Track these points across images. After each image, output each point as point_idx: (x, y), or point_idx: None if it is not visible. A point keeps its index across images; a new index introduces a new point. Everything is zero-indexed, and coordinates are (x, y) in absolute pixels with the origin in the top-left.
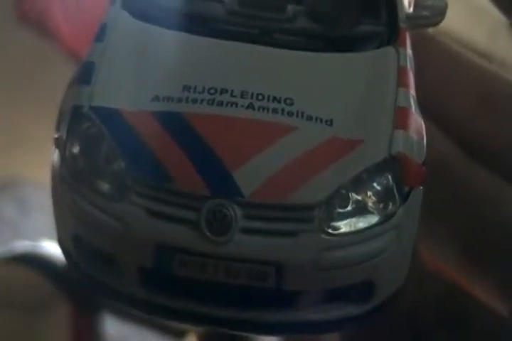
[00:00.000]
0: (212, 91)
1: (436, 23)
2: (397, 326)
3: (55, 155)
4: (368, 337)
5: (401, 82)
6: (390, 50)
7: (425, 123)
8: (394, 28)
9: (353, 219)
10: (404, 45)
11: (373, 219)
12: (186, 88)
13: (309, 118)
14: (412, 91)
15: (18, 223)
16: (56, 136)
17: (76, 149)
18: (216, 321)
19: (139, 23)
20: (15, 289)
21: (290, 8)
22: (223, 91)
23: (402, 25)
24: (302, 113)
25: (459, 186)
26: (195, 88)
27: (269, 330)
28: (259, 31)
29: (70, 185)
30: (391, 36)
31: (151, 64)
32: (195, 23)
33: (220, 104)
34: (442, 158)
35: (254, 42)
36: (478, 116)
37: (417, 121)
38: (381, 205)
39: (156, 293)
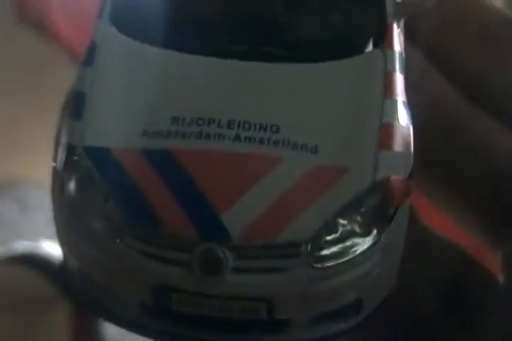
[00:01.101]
0: (200, 122)
1: (428, 7)
2: (400, 305)
3: (55, 186)
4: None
5: (388, 91)
6: (375, 53)
7: (428, 68)
8: (380, 26)
9: (340, 246)
10: (391, 45)
11: (361, 244)
12: (175, 120)
13: (294, 146)
14: (401, 98)
15: (18, 223)
16: (54, 165)
17: (71, 188)
18: None
19: (130, 42)
20: (15, 289)
21: (274, 16)
22: (210, 121)
23: (390, 19)
24: (288, 141)
25: (455, 132)
26: (183, 120)
27: None
28: (247, 45)
29: (67, 221)
30: (377, 37)
31: (141, 93)
32: (185, 40)
33: (208, 137)
34: (440, 102)
35: (241, 57)
36: (476, 54)
37: (403, 134)
38: (368, 229)
39: (157, 321)
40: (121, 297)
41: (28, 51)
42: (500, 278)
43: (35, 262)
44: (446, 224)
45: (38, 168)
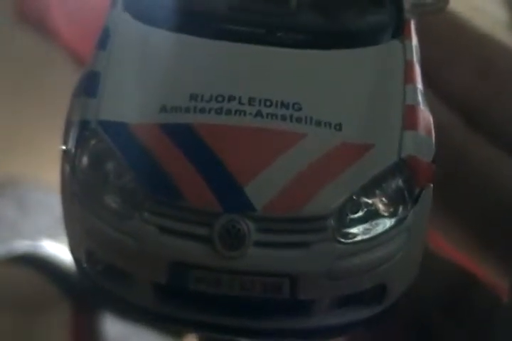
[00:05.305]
0: (219, 99)
1: (440, 10)
2: (406, 319)
3: (65, 169)
4: (373, 334)
5: (408, 77)
6: (395, 44)
7: (427, 93)
8: (399, 20)
9: (365, 225)
10: (409, 37)
11: (385, 223)
12: (193, 97)
13: (318, 123)
14: (420, 86)
15: (18, 223)
16: (64, 148)
17: (85, 164)
18: (232, 331)
19: (142, 27)
20: (15, 289)
21: (293, 2)
22: (231, 98)
23: (407, 15)
24: (311, 118)
25: (457, 159)
26: (202, 96)
27: (285, 338)
28: (263, 30)
29: (81, 200)
30: (396, 29)
31: (157, 72)
32: (200, 25)
33: (229, 112)
34: (442, 129)
35: (258, 42)
36: (478, 83)
37: (425, 118)
38: (393, 209)
39: (170, 306)
40: (135, 280)
41: (28, 51)
42: (505, 299)
43: (35, 262)
44: (449, 247)
45: (38, 168)
